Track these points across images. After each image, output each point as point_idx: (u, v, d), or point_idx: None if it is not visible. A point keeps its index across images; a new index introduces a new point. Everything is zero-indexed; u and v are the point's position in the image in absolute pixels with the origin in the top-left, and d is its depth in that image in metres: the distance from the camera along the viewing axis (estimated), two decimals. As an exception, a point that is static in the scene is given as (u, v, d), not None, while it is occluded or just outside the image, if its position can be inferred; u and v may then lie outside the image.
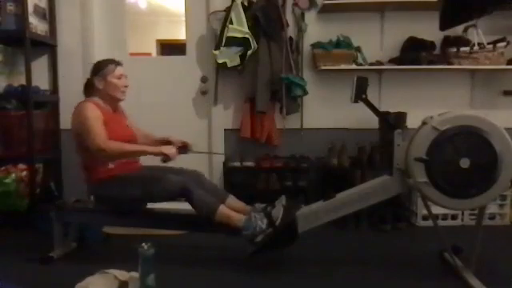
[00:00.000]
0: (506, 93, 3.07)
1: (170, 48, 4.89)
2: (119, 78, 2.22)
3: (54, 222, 2.24)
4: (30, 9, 2.78)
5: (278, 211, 2.01)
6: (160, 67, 3.28)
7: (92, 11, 3.09)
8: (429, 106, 2.70)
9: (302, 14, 3.03)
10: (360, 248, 2.47)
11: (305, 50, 3.04)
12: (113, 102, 2.26)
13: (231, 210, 2.09)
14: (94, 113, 2.11)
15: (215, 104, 3.12)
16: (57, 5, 3.07)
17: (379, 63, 2.98)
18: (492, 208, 2.80)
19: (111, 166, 2.15)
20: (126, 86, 2.27)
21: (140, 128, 2.45)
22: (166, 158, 2.11)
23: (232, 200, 2.22)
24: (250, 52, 2.86)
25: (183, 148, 2.32)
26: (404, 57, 2.95)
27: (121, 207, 2.20)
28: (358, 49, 2.99)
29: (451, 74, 3.06)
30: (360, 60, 2.97)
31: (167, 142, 2.29)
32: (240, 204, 2.19)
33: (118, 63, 2.25)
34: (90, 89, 2.25)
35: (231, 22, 2.85)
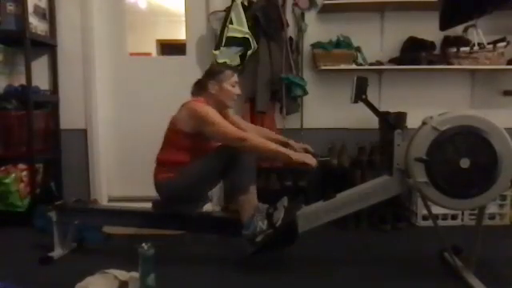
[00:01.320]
0: (506, 93, 3.08)
1: (170, 48, 4.90)
2: (233, 85, 2.20)
3: (54, 222, 2.24)
4: (30, 9, 2.78)
5: (280, 213, 2.00)
6: (160, 67, 3.28)
7: (92, 11, 3.09)
8: (429, 106, 2.69)
9: (302, 14, 3.03)
10: (360, 248, 2.47)
11: (305, 50, 3.04)
12: (220, 107, 2.20)
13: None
14: (213, 109, 2.08)
15: (215, 104, 3.12)
16: (57, 5, 3.07)
17: (379, 63, 2.98)
18: (492, 208, 2.80)
19: (186, 159, 2.10)
20: (238, 95, 2.24)
21: (251, 124, 2.42)
22: (304, 166, 1.98)
23: (253, 190, 2.10)
24: (249, 52, 2.86)
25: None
26: (404, 57, 2.95)
27: (184, 202, 2.16)
28: (358, 49, 2.99)
29: (451, 74, 3.06)
30: (360, 60, 2.97)
31: (286, 145, 2.22)
32: (255, 198, 2.10)
33: (234, 70, 2.24)
34: (200, 90, 2.22)
35: (231, 22, 2.85)
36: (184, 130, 2.09)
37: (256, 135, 2.11)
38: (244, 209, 2.03)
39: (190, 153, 2.11)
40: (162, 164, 2.17)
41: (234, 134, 2.01)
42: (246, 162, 2.03)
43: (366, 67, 2.95)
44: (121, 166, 3.30)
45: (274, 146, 2.04)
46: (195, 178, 2.08)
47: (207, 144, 2.14)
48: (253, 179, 2.08)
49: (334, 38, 2.97)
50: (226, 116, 2.23)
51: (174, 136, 2.14)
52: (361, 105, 2.07)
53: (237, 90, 2.22)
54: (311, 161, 2.00)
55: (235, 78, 2.22)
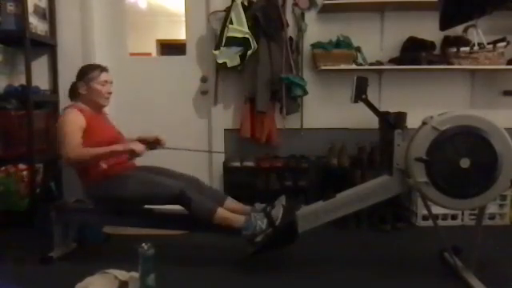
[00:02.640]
0: (506, 93, 3.08)
1: (170, 48, 4.90)
2: (103, 84, 2.23)
3: (54, 222, 2.24)
4: (30, 9, 2.78)
5: (278, 211, 2.01)
6: (160, 67, 3.28)
7: (92, 11, 3.09)
8: (429, 106, 2.70)
9: (302, 14, 3.03)
10: (360, 248, 2.47)
11: (305, 50, 3.04)
12: (96, 107, 2.26)
13: (230, 211, 2.10)
14: (74, 119, 2.12)
15: (215, 104, 3.12)
16: (57, 5, 3.07)
17: (379, 63, 2.98)
18: (492, 208, 2.80)
19: (104, 166, 2.14)
20: (109, 93, 2.27)
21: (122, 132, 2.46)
22: (134, 154, 2.08)
23: (230, 202, 2.23)
24: (249, 52, 2.86)
25: (154, 143, 2.34)
26: (404, 57, 2.95)
27: (119, 207, 2.20)
28: (358, 49, 2.99)
29: (451, 74, 3.06)
30: (360, 60, 2.97)
31: (143, 140, 2.29)
32: (239, 205, 2.20)
33: (103, 69, 2.25)
34: (74, 93, 2.27)
35: (231, 22, 2.85)
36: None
37: (83, 149, 2.08)
38: (225, 222, 2.05)
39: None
40: (81, 170, 2.21)
41: (68, 152, 2.05)
42: (195, 198, 2.06)
43: (366, 67, 2.95)
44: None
45: (100, 149, 2.07)
46: (137, 196, 2.11)
47: (96, 135, 2.17)
48: (219, 197, 2.17)
49: (334, 38, 2.97)
50: (102, 119, 2.30)
51: None
52: (361, 105, 2.07)
53: (107, 88, 2.25)
54: (136, 147, 2.08)
55: (104, 76, 2.24)
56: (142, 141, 2.28)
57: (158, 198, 2.11)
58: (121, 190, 2.11)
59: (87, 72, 2.22)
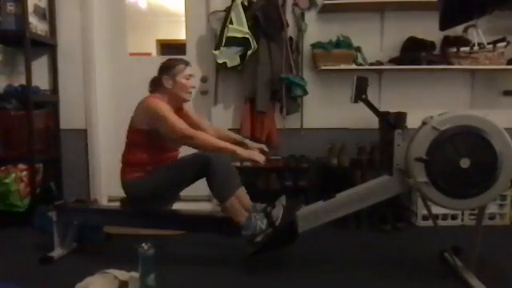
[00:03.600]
0: (506, 93, 3.08)
1: (170, 48, 4.89)
2: (188, 78, 2.21)
3: (54, 222, 2.24)
4: (30, 9, 2.78)
5: (278, 211, 2.01)
6: (160, 67, 3.27)
7: (92, 11, 3.09)
8: (429, 106, 2.70)
9: (302, 14, 3.03)
10: (360, 248, 2.47)
11: (305, 50, 3.05)
12: (178, 102, 2.23)
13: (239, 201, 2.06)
14: (166, 105, 2.10)
15: (215, 104, 3.12)
16: (57, 5, 3.07)
17: (379, 63, 2.98)
18: (492, 208, 2.80)
19: (149, 168, 2.13)
20: (193, 87, 2.25)
21: (211, 124, 2.45)
22: (255, 163, 2.06)
23: (242, 192, 2.12)
24: (250, 52, 2.86)
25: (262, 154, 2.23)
26: (404, 57, 2.95)
27: (151, 202, 2.18)
28: (358, 49, 2.99)
29: (451, 74, 3.06)
30: (360, 60, 2.97)
31: (241, 144, 2.25)
32: (247, 199, 2.12)
33: (187, 63, 2.24)
34: (156, 86, 2.24)
35: (231, 22, 2.85)
36: (140, 128, 2.12)
37: (204, 133, 2.12)
38: (237, 212, 2.03)
39: (149, 151, 2.14)
40: (126, 163, 2.20)
41: (181, 130, 2.04)
42: (221, 169, 2.03)
43: (366, 67, 2.95)
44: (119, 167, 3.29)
45: (222, 143, 2.06)
46: (166, 181, 2.11)
47: (164, 142, 2.15)
48: (235, 183, 2.07)
49: (334, 38, 2.97)
50: (184, 113, 2.27)
51: (132, 135, 2.18)
52: (361, 105, 2.07)
53: (191, 83, 2.23)
54: (260, 158, 2.05)
55: (189, 70, 2.23)
56: (242, 145, 2.25)
57: (186, 171, 2.08)
58: (152, 182, 2.10)
59: (173, 66, 2.20)
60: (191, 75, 2.24)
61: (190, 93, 2.25)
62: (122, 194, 3.38)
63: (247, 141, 2.35)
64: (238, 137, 2.40)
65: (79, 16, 3.09)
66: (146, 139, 2.13)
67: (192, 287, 1.96)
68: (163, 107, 2.09)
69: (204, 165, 2.03)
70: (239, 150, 2.06)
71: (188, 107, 2.39)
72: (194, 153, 2.12)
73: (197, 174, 2.08)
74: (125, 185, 2.20)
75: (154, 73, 3.24)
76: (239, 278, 2.02)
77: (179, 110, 2.26)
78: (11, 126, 2.78)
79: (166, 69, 2.21)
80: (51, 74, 3.12)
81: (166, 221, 2.26)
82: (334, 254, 2.36)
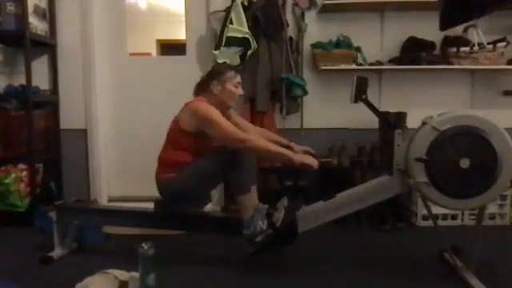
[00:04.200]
0: (506, 93, 3.08)
1: (170, 48, 4.89)
2: (236, 86, 2.20)
3: (54, 222, 2.24)
4: (30, 9, 2.78)
5: (280, 213, 2.01)
6: (160, 67, 3.28)
7: (92, 11, 3.09)
8: (429, 106, 2.70)
9: (302, 14, 3.03)
10: (360, 248, 2.47)
11: (305, 50, 3.04)
12: (223, 107, 2.20)
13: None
14: (215, 109, 2.08)
15: (215, 104, 3.12)
16: (57, 5, 3.07)
17: (379, 63, 2.98)
18: (492, 208, 2.80)
19: (189, 160, 2.10)
20: (240, 95, 2.25)
21: (253, 125, 2.45)
22: (308, 169, 2.01)
23: (254, 189, 2.10)
24: (250, 52, 2.85)
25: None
26: (404, 57, 2.95)
27: (187, 202, 2.17)
28: (358, 49, 2.99)
29: (451, 74, 3.06)
30: (360, 60, 2.97)
31: (287, 147, 2.22)
32: (256, 198, 2.10)
33: (237, 71, 2.25)
34: (202, 89, 2.22)
35: (231, 22, 2.85)
36: (186, 130, 2.09)
37: (257, 137, 2.12)
38: (245, 208, 2.03)
39: (192, 153, 2.11)
40: (164, 164, 2.17)
41: (235, 134, 2.02)
42: (247, 161, 2.03)
43: (366, 67, 2.94)
44: (121, 166, 3.30)
45: (274, 147, 2.05)
46: (197, 177, 2.08)
47: (210, 144, 2.14)
48: (254, 179, 2.07)
49: (334, 38, 2.97)
50: (228, 116, 2.23)
51: (176, 136, 2.14)
52: (361, 105, 2.07)
53: (239, 91, 2.22)
54: (313, 162, 2.02)
55: (238, 78, 2.22)
56: (288, 148, 2.21)
57: (216, 166, 2.05)
58: (188, 178, 2.07)
59: (223, 72, 2.19)
60: (239, 83, 2.23)
61: (236, 100, 2.25)
62: (121, 193, 3.39)
63: (292, 143, 2.31)
64: (283, 140, 2.35)
65: (79, 16, 3.09)
66: (192, 141, 2.10)
67: (192, 287, 1.96)
68: (213, 111, 2.06)
69: (230, 156, 2.01)
70: (292, 154, 2.03)
71: (231, 110, 2.36)
72: (219, 147, 2.09)
73: (225, 168, 2.03)
74: (161, 185, 2.16)
75: (154, 73, 3.28)
76: (239, 278, 2.02)
77: (223, 113, 2.21)
78: (11, 126, 2.78)
79: (216, 74, 2.19)
80: (51, 74, 3.12)
81: (166, 221, 2.26)
82: (334, 254, 2.36)
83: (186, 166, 2.09)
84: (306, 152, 2.23)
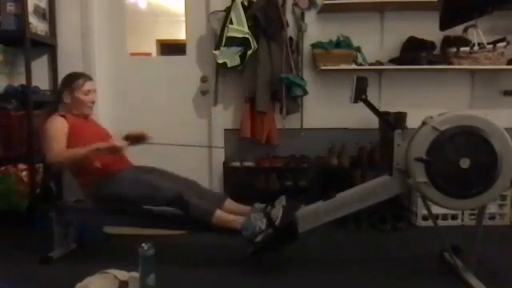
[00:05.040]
0: (506, 93, 3.08)
1: (170, 48, 4.89)
2: (87, 93, 2.24)
3: (54, 222, 2.24)
4: (30, 9, 2.78)
5: (278, 211, 2.01)
6: (160, 67, 3.28)
7: (92, 11, 3.09)
8: (429, 106, 2.70)
9: (302, 14, 3.03)
10: (360, 248, 2.47)
11: (305, 50, 3.04)
12: (80, 115, 2.27)
13: (230, 212, 2.10)
14: (57, 126, 2.14)
15: (215, 104, 3.12)
16: (57, 5, 3.07)
17: (379, 63, 2.98)
18: (492, 208, 2.80)
19: (97, 165, 2.14)
20: (92, 102, 2.28)
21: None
22: (115, 149, 2.08)
23: (230, 203, 2.23)
24: (250, 52, 2.86)
25: (139, 138, 2.34)
26: (404, 57, 2.95)
27: (117, 206, 2.20)
28: (358, 49, 2.99)
29: (451, 74, 3.06)
30: (360, 60, 2.97)
31: (126, 138, 2.31)
32: (238, 206, 2.20)
33: (87, 78, 2.27)
34: (58, 100, 2.29)
35: (231, 22, 2.85)
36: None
37: (66, 150, 2.12)
38: (226, 224, 2.06)
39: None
40: (78, 174, 2.24)
41: (51, 156, 2.09)
42: (193, 201, 2.07)
43: (366, 67, 2.94)
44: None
45: (83, 150, 2.06)
46: (137, 195, 2.13)
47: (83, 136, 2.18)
48: (210, 206, 2.11)
49: (334, 38, 2.97)
50: (89, 124, 2.29)
51: None
52: (361, 105, 2.07)
53: (90, 98, 2.26)
54: (118, 143, 2.08)
55: (88, 85, 2.25)
56: (128, 137, 2.30)
57: (156, 200, 2.12)
58: (118, 188, 2.12)
59: (71, 81, 2.24)
60: (90, 90, 2.26)
61: (91, 107, 2.29)
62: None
63: (129, 132, 2.39)
64: (119, 133, 2.40)
65: (79, 16, 3.09)
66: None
67: (192, 287, 1.96)
68: (51, 130, 2.13)
69: (175, 198, 2.07)
70: (98, 145, 2.06)
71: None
72: (164, 186, 2.13)
73: (168, 204, 2.12)
74: (87, 191, 2.25)
75: (154, 73, 3.28)
76: (239, 278, 2.02)
77: (83, 120, 2.29)
78: (11, 126, 2.77)
79: (65, 84, 2.25)
80: (51, 74, 3.12)
81: (166, 221, 2.26)
82: (334, 254, 2.36)
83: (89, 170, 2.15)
84: (141, 135, 2.35)
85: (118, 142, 2.11)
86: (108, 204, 2.21)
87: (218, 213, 2.07)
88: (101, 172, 2.15)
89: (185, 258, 2.26)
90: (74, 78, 2.24)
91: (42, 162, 2.93)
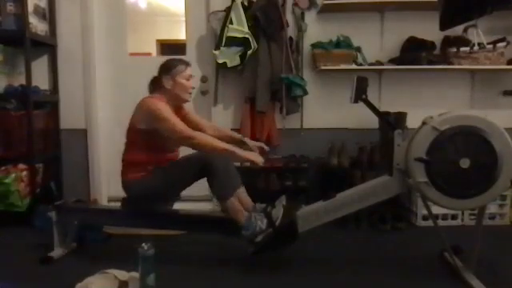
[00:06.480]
0: (506, 93, 3.08)
1: (170, 48, 4.89)
2: (188, 79, 2.21)
3: (54, 222, 2.24)
4: (30, 9, 2.78)
5: (278, 211, 2.01)
6: (160, 67, 3.27)
7: (92, 11, 3.09)
8: (429, 106, 2.70)
9: (302, 14, 3.03)
10: (360, 248, 2.47)
11: (305, 50, 3.04)
12: (177, 102, 2.23)
13: (239, 201, 2.06)
14: (165, 106, 2.11)
15: (215, 104, 3.12)
16: (57, 5, 3.07)
17: (379, 63, 2.98)
18: (492, 208, 2.80)
19: (150, 168, 2.14)
20: (193, 88, 2.26)
21: (213, 124, 2.48)
22: (253, 164, 2.05)
23: (242, 192, 2.12)
24: (250, 52, 2.86)
25: (262, 154, 2.23)
26: (404, 57, 2.95)
27: (151, 202, 2.19)
28: (358, 49, 2.99)
29: (451, 74, 3.06)
30: (360, 60, 2.97)
31: (241, 143, 2.27)
32: (247, 199, 2.12)
33: (187, 64, 2.25)
34: (155, 86, 2.25)
35: (231, 22, 2.85)
36: (141, 128, 2.12)
37: (203, 134, 2.13)
38: (233, 213, 2.03)
39: (148, 150, 2.14)
40: (126, 163, 2.21)
41: (181, 131, 2.05)
42: (221, 168, 2.02)
43: (366, 67, 2.95)
44: (121, 166, 3.29)
45: (221, 144, 2.07)
46: (167, 181, 2.11)
47: (163, 142, 2.15)
48: (234, 184, 2.07)
49: (334, 38, 2.97)
50: (184, 113, 2.27)
51: (133, 135, 2.18)
52: (361, 105, 2.07)
53: (191, 83, 2.24)
54: (257, 158, 2.05)
55: (189, 70, 2.23)
56: (242, 144, 2.27)
57: (184, 172, 2.09)
58: (156, 180, 2.10)
59: (173, 66, 2.20)
60: (191, 76, 2.24)
61: (190, 93, 2.25)
62: (122, 193, 3.38)
63: (248, 140, 2.35)
64: (238, 136, 2.40)
65: (79, 16, 3.09)
66: (145, 139, 2.13)
67: (192, 287, 1.96)
68: (162, 108, 2.09)
69: (204, 165, 2.03)
70: (237, 150, 2.07)
71: (187, 107, 2.38)
72: (195, 152, 2.13)
73: (197, 175, 2.08)
74: (125, 185, 2.21)
75: (155, 73, 3.25)
76: (239, 278, 2.02)
77: (179, 110, 2.26)
78: (11, 125, 2.77)
79: (166, 69, 2.21)
80: (51, 74, 3.12)
81: (166, 221, 2.26)
82: (334, 254, 2.36)
83: (154, 166, 2.12)
84: (260, 148, 2.28)
85: (257, 158, 2.06)
86: (144, 202, 2.18)
87: (233, 200, 2.03)
88: (149, 171, 2.14)
89: (185, 258, 2.26)
90: (175, 63, 2.22)
91: (43, 162, 2.94)
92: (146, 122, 2.11)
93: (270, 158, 2.22)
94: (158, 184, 2.10)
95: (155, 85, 2.25)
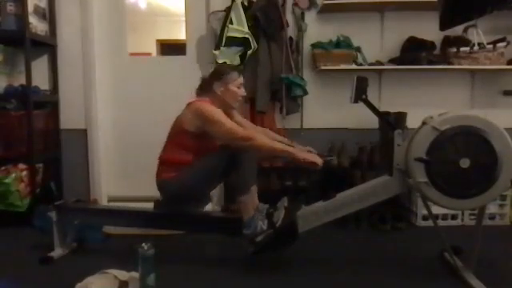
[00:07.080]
0: (506, 93, 3.08)
1: (170, 48, 4.90)
2: (239, 87, 2.21)
3: (54, 222, 2.24)
4: (30, 9, 2.78)
5: (280, 213, 2.01)
6: (160, 67, 3.28)
7: (92, 11, 3.09)
8: (429, 106, 2.70)
9: (302, 14, 3.03)
10: (360, 248, 2.47)
11: (305, 50, 3.04)
12: (225, 107, 2.21)
13: None
14: (218, 110, 2.10)
15: (215, 104, 3.12)
16: (57, 5, 3.07)
17: (379, 63, 2.98)
18: (492, 208, 2.80)
19: (184, 167, 2.11)
20: (242, 96, 2.26)
21: (260, 128, 2.47)
22: (313, 166, 2.03)
23: (255, 190, 2.12)
24: (249, 52, 2.86)
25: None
26: (404, 57, 2.95)
27: (187, 202, 2.17)
28: (358, 49, 2.99)
29: (451, 74, 3.06)
30: (360, 60, 2.97)
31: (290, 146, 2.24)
32: (256, 198, 2.12)
33: (240, 72, 2.25)
34: (204, 89, 2.24)
35: (231, 22, 2.85)
36: (189, 130, 2.10)
37: (261, 135, 2.13)
38: (246, 208, 2.04)
39: (194, 153, 2.12)
40: (165, 163, 2.18)
41: (239, 133, 2.03)
42: (247, 162, 2.04)
43: (366, 67, 2.94)
44: (121, 166, 3.30)
45: (279, 145, 2.09)
46: (197, 177, 2.09)
47: (212, 144, 2.14)
48: (254, 179, 2.08)
49: (334, 38, 2.97)
50: (231, 117, 2.24)
51: (178, 136, 2.15)
52: (361, 105, 2.07)
53: (242, 92, 2.23)
54: (317, 160, 2.04)
55: (241, 79, 2.23)
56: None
57: (211, 165, 2.07)
58: (190, 178, 2.08)
59: (227, 73, 2.20)
60: (242, 84, 2.24)
61: (239, 101, 2.26)
62: (122, 193, 3.39)
63: (294, 143, 2.32)
64: (285, 139, 2.36)
65: (79, 16, 3.09)
66: (194, 141, 2.11)
67: (192, 287, 1.96)
68: (217, 112, 2.08)
69: (233, 155, 2.02)
70: (297, 152, 2.06)
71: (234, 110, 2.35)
72: (220, 147, 2.11)
73: (226, 168, 2.05)
74: (161, 184, 2.17)
75: (154, 73, 3.28)
76: (239, 278, 2.02)
77: (226, 114, 2.22)
78: (11, 125, 2.77)
79: (219, 74, 2.21)
80: (51, 74, 3.12)
81: (166, 221, 2.26)
82: (334, 254, 2.36)
83: (187, 166, 2.10)
84: (308, 151, 2.23)
85: (316, 158, 2.04)
86: (180, 202, 2.16)
87: (248, 195, 2.04)
88: (185, 169, 2.11)
89: (185, 258, 2.26)
90: (228, 70, 2.22)
91: (43, 162, 2.94)
92: (196, 124, 2.08)
93: (326, 159, 2.17)
94: (189, 181, 2.08)
95: (204, 88, 2.24)
